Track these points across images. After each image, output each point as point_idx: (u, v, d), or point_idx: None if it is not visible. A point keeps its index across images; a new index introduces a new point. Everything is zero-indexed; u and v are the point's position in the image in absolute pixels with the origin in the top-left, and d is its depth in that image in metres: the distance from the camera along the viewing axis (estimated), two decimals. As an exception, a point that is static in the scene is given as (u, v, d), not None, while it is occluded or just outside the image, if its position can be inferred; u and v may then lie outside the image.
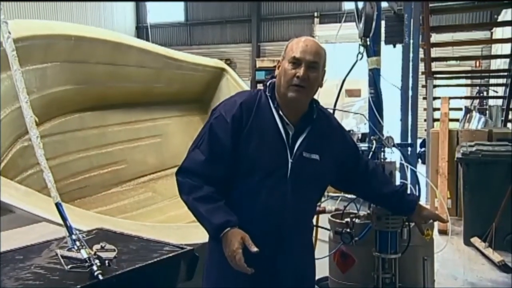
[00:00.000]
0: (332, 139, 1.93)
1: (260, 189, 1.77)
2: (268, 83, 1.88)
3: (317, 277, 3.06)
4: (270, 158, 1.78)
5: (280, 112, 1.80)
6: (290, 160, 1.79)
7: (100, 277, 1.78)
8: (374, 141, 2.58)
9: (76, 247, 1.88)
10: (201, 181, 1.74)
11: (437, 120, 7.40)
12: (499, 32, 12.89)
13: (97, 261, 1.82)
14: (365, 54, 2.62)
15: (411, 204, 2.12)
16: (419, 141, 8.40)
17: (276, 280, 1.83)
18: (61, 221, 2.00)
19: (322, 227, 2.80)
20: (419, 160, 8.81)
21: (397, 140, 3.40)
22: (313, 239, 3.04)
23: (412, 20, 6.02)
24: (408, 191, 2.80)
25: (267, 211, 1.78)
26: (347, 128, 3.76)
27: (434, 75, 8.14)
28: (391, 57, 4.32)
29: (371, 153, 2.58)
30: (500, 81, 10.10)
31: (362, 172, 2.04)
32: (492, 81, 11.26)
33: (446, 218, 2.20)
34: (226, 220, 1.68)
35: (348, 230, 2.42)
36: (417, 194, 2.83)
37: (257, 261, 1.64)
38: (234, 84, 6.71)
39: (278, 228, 1.80)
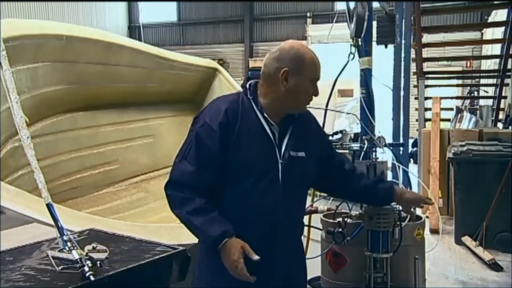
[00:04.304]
0: (312, 135, 1.97)
1: (253, 192, 1.76)
2: (248, 85, 1.86)
3: (309, 277, 3.07)
4: (260, 161, 1.77)
5: (265, 114, 1.80)
6: (280, 161, 1.79)
7: (92, 278, 1.77)
8: (366, 141, 2.60)
9: (67, 248, 1.87)
10: (192, 192, 1.72)
11: (429, 120, 7.45)
12: (489, 33, 13.01)
13: (88, 262, 1.81)
14: (356, 54, 2.63)
15: (387, 191, 2.10)
16: (410, 141, 8.45)
17: (271, 282, 1.83)
18: (52, 222, 1.99)
19: (314, 227, 2.80)
20: (411, 159, 8.86)
21: (389, 140, 3.43)
22: (306, 239, 3.05)
23: (403, 20, 6.04)
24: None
25: (261, 213, 1.78)
26: (339, 128, 3.78)
27: (426, 75, 8.19)
28: (383, 57, 4.35)
29: (363, 153, 2.59)
30: (491, 81, 10.20)
31: (338, 168, 2.05)
32: (482, 81, 11.35)
33: (431, 201, 2.16)
34: (223, 231, 1.67)
35: (340, 229, 2.42)
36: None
37: (253, 265, 1.64)
38: (227, 84, 6.71)
39: (272, 230, 1.80)
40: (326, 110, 2.65)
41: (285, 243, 1.87)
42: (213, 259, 1.69)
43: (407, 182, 2.88)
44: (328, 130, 3.01)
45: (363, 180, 2.11)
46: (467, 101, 12.01)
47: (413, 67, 7.30)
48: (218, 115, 1.76)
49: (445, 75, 10.15)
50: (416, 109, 7.84)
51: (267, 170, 1.78)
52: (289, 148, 1.82)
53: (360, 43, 2.62)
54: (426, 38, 9.35)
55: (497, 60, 9.26)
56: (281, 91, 1.80)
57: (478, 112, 9.04)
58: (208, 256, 1.74)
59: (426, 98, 7.94)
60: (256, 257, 1.64)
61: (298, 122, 1.88)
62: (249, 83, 1.88)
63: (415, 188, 5.68)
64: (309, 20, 19.43)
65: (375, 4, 3.00)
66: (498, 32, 10.60)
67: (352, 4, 2.64)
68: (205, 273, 1.83)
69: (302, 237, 3.04)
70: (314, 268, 2.82)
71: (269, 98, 1.83)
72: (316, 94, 1.86)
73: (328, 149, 2.06)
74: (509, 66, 7.76)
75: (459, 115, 8.69)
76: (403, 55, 6.15)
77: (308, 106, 1.93)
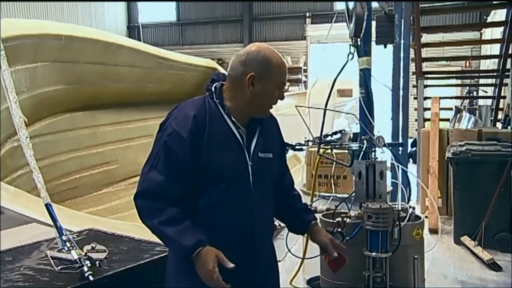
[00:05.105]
0: (275, 135, 1.98)
1: (226, 196, 1.76)
2: (213, 88, 1.83)
3: (309, 277, 3.07)
4: (233, 165, 1.77)
5: (232, 117, 1.80)
6: (249, 163, 1.79)
7: (91, 278, 1.77)
8: (365, 141, 2.59)
9: (66, 248, 1.87)
10: (163, 202, 1.69)
11: (428, 120, 7.45)
12: (488, 33, 13.03)
13: (87, 262, 1.81)
14: (356, 54, 2.63)
15: (305, 224, 2.06)
16: (410, 141, 8.46)
17: (248, 283, 1.83)
18: (51, 222, 1.99)
19: (314, 227, 2.80)
20: (410, 159, 8.86)
21: (388, 139, 3.42)
22: (305, 238, 3.05)
23: (402, 20, 6.05)
24: (399, 191, 2.82)
25: (237, 216, 1.78)
26: (338, 128, 3.78)
27: (425, 75, 8.19)
28: (382, 57, 4.35)
29: (362, 152, 2.59)
30: (490, 81, 10.21)
31: (279, 179, 2.02)
32: (481, 81, 11.37)
33: (334, 254, 2.00)
34: (197, 240, 1.65)
35: (339, 229, 2.42)
36: (408, 194, 2.84)
37: (231, 271, 1.64)
38: (226, 84, 6.72)
39: (249, 232, 1.80)
40: (325, 110, 2.64)
41: (263, 243, 1.88)
42: (189, 266, 1.68)
43: (406, 182, 2.88)
44: (327, 130, 3.00)
45: (291, 201, 2.08)
46: (466, 101, 12.03)
47: (412, 67, 7.29)
48: (187, 122, 1.72)
49: (444, 75, 10.15)
50: (415, 109, 7.85)
51: (238, 173, 1.78)
52: (258, 150, 1.83)
53: (359, 43, 2.61)
54: (425, 38, 9.36)
55: (496, 60, 9.26)
56: (247, 95, 1.79)
57: (477, 112, 9.05)
58: (183, 263, 1.72)
59: (425, 98, 7.94)
60: (230, 265, 1.63)
61: (264, 124, 1.89)
62: (214, 85, 1.84)
63: (414, 188, 5.70)
64: (308, 20, 19.44)
65: (374, 4, 2.99)
66: (497, 32, 10.61)
67: (351, 4, 2.63)
68: (181, 271, 1.80)
69: (302, 237, 3.05)
70: (313, 268, 2.82)
71: (235, 102, 1.81)
72: (282, 98, 1.86)
73: (281, 156, 2.05)
74: (508, 66, 7.77)
75: (458, 115, 8.70)
76: (402, 55, 6.16)
77: (307, 106, 1.93)
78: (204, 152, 1.73)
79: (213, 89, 1.83)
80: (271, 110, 1.92)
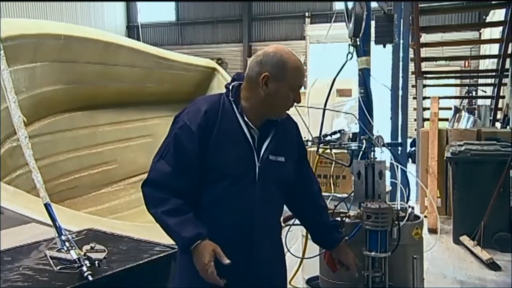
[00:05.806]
0: (292, 141, 1.97)
1: (229, 195, 1.76)
2: (230, 87, 1.85)
3: (308, 276, 3.08)
4: (238, 164, 1.77)
5: (245, 117, 1.80)
6: (257, 164, 1.79)
7: (90, 278, 1.77)
8: (364, 141, 2.59)
9: (65, 248, 1.87)
10: (168, 193, 1.71)
11: (427, 119, 7.46)
12: (487, 33, 13.04)
13: (87, 261, 1.81)
14: (355, 54, 2.63)
15: (334, 241, 2.12)
16: (409, 141, 8.47)
17: (250, 282, 1.83)
18: (50, 222, 1.99)
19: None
20: (409, 159, 8.87)
21: (387, 139, 3.43)
22: (304, 238, 3.05)
23: (402, 20, 6.06)
24: (398, 191, 2.82)
25: (237, 215, 1.79)
26: (338, 128, 3.78)
27: (424, 75, 8.20)
28: (381, 57, 4.35)
29: (361, 152, 2.59)
30: (489, 81, 10.21)
31: (301, 183, 2.02)
32: (480, 81, 11.38)
33: (356, 273, 2.15)
34: (196, 233, 1.66)
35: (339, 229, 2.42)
36: (407, 193, 2.84)
37: (230, 268, 1.65)
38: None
39: (248, 232, 1.81)
40: (324, 109, 2.64)
41: (262, 244, 1.87)
42: (191, 267, 1.68)
43: (406, 182, 2.88)
44: (326, 129, 3.00)
45: (323, 213, 2.11)
46: (465, 101, 12.04)
47: (411, 67, 7.30)
48: (197, 117, 1.75)
49: (443, 75, 10.16)
50: (415, 109, 7.85)
51: (244, 172, 1.78)
52: (268, 152, 1.83)
53: (358, 42, 2.61)
54: (424, 38, 9.36)
55: (495, 60, 9.27)
56: (261, 95, 1.80)
57: (476, 111, 9.06)
58: (187, 258, 1.73)
59: (425, 98, 7.95)
60: (226, 261, 1.64)
61: (280, 127, 1.89)
62: (232, 84, 1.86)
63: (413, 188, 5.70)
64: (307, 20, 19.44)
65: (374, 4, 2.99)
66: (496, 32, 10.62)
67: (350, 4, 2.64)
68: (184, 274, 1.82)
69: (301, 237, 3.05)
70: (312, 268, 2.82)
71: (249, 102, 1.82)
72: (298, 101, 1.86)
73: (300, 160, 2.04)
74: (507, 66, 7.77)
75: (457, 114, 8.71)
76: (401, 54, 6.17)
77: (307, 106, 1.93)
78: (211, 148, 1.74)
79: (230, 87, 1.85)
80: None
